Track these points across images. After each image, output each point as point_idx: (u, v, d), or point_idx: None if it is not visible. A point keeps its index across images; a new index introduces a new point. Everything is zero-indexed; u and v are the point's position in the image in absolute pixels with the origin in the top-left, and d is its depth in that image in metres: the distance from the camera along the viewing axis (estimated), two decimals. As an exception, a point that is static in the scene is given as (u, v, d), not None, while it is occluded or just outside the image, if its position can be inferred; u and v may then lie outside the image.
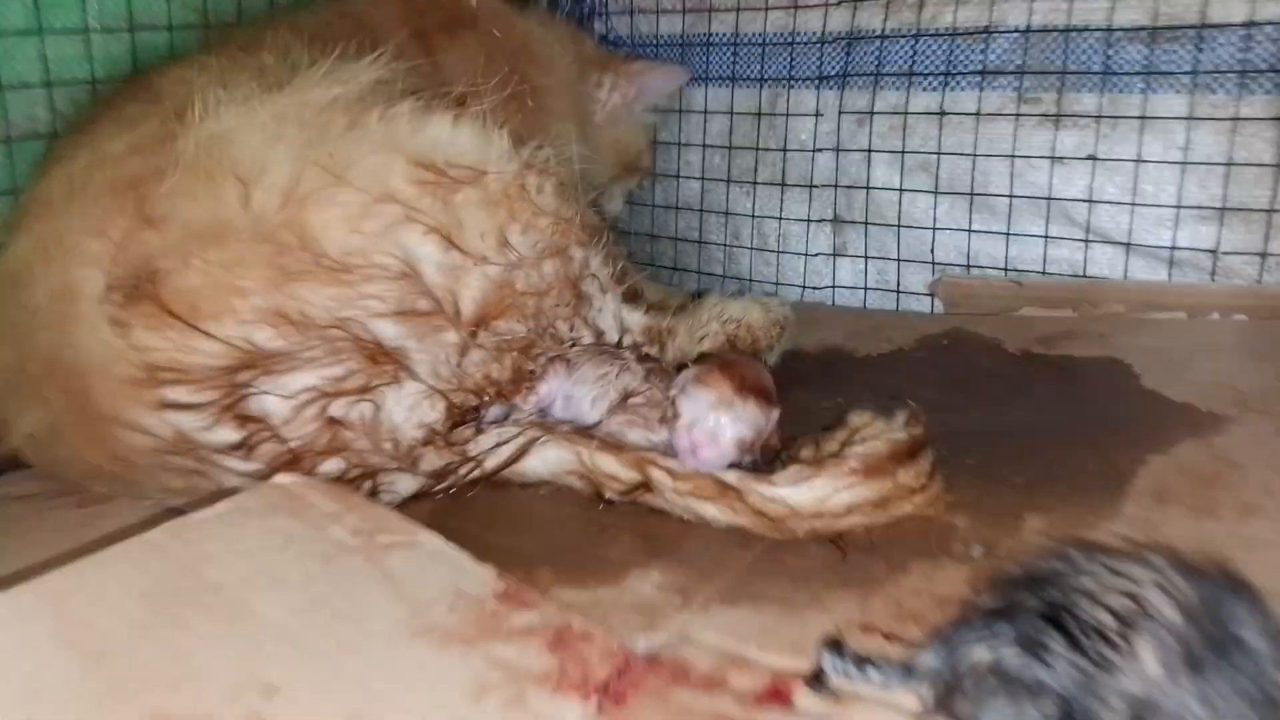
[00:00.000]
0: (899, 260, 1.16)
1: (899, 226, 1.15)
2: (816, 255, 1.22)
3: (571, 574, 0.65)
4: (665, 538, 0.70)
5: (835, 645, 0.53)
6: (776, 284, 1.25)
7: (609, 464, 0.74)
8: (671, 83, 1.28)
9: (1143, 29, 0.97)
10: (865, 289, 1.19)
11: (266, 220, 0.73)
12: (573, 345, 0.83)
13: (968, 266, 1.12)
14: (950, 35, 1.07)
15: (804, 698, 0.51)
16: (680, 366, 0.81)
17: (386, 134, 0.78)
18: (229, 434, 0.74)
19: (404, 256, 0.76)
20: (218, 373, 0.73)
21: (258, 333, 0.73)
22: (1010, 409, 0.85)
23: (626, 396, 0.78)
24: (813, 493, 0.68)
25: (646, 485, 0.73)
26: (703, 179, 1.30)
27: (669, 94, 1.29)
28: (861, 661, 0.52)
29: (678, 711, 0.50)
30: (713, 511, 0.71)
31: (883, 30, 1.11)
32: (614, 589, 0.63)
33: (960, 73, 1.07)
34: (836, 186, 1.19)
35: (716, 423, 0.71)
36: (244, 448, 0.75)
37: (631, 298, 0.89)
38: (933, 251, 1.13)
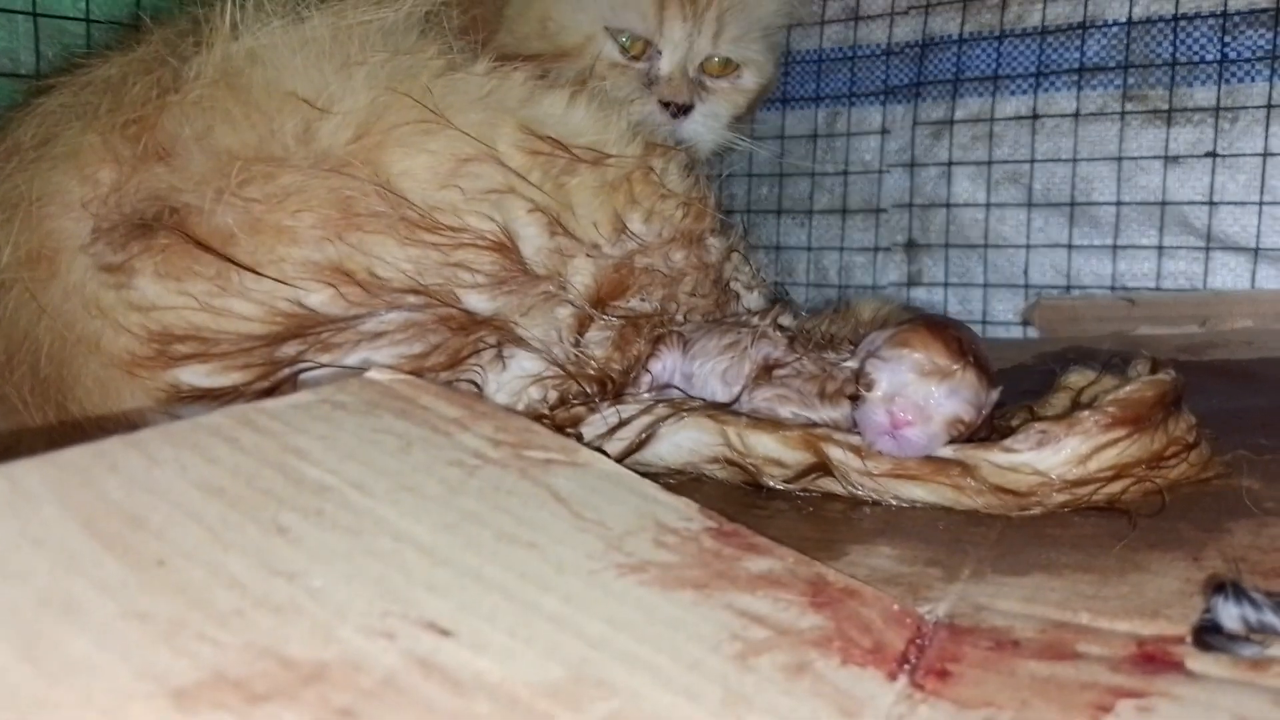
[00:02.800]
0: (985, 285, 1.04)
1: (985, 247, 1.03)
2: (886, 286, 1.10)
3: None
4: (869, 518, 0.55)
5: (1234, 588, 0.39)
6: (838, 323, 1.11)
7: (768, 445, 0.58)
8: None
9: (1264, 11, 0.90)
10: (945, 321, 1.06)
11: (332, 156, 0.57)
12: (685, 321, 0.68)
13: (1068, 287, 1.00)
14: (1040, 34, 0.98)
15: (1198, 660, 0.37)
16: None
17: (495, 90, 0.63)
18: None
19: (502, 225, 0.60)
20: (255, 343, 0.55)
21: (312, 294, 0.56)
22: (1200, 398, 0.71)
23: (770, 368, 0.62)
24: (1068, 454, 0.52)
25: (822, 467, 0.57)
26: (749, 212, 1.18)
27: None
28: None
29: (1032, 685, 0.36)
30: (922, 493, 0.55)
31: (960, 34, 1.02)
32: (838, 563, 0.47)
33: (1054, 72, 0.98)
34: (911, 207, 1.07)
35: (927, 394, 0.55)
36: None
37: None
38: (1026, 273, 1.02)
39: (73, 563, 0.29)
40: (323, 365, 0.55)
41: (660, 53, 0.86)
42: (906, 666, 0.37)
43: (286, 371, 0.55)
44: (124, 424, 0.56)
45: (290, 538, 0.33)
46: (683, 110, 0.86)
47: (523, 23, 0.85)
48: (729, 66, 0.90)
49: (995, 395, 0.57)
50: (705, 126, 0.89)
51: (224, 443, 0.36)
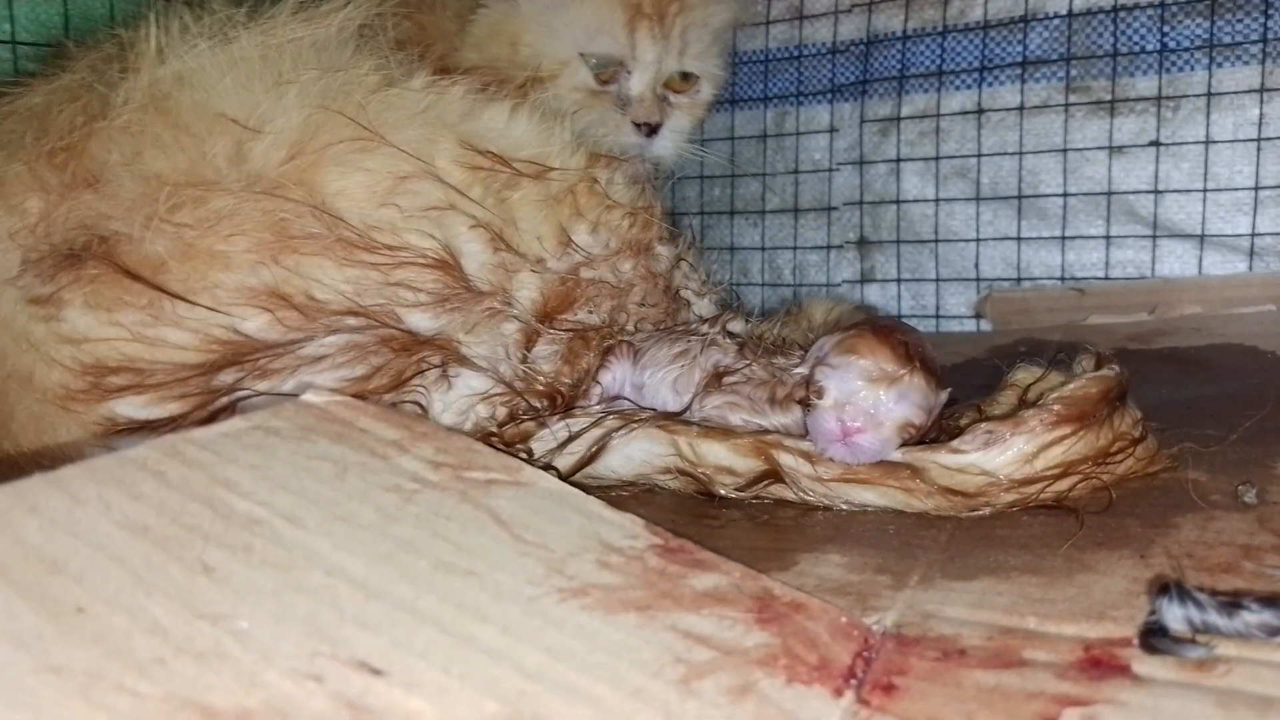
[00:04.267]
0: (937, 280, 1.04)
1: (936, 242, 1.04)
2: (840, 284, 1.10)
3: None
4: (820, 524, 0.55)
5: (1178, 590, 0.39)
6: (794, 321, 1.11)
7: (719, 453, 0.58)
8: None
9: (1201, 0, 0.91)
10: (899, 316, 1.07)
11: (265, 178, 0.56)
12: (635, 331, 0.67)
13: (1018, 279, 1.01)
14: (982, 29, 0.99)
15: (1144, 663, 0.37)
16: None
17: (433, 105, 0.62)
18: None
19: (443, 242, 0.59)
20: (191, 372, 0.54)
21: (248, 320, 0.54)
22: (1149, 387, 0.71)
23: (720, 375, 0.62)
24: (1015, 453, 0.53)
25: (774, 474, 0.56)
26: (702, 214, 1.17)
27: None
28: (1230, 605, 0.38)
29: (978, 697, 0.35)
30: (872, 498, 0.55)
31: (904, 31, 1.02)
32: (787, 574, 0.47)
33: (998, 66, 0.98)
34: (861, 204, 1.07)
35: (876, 401, 0.54)
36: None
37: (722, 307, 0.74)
38: (977, 266, 1.02)
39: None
40: (261, 393, 0.54)
41: (630, 74, 0.86)
42: (853, 682, 0.37)
43: (224, 400, 0.54)
44: (60, 460, 0.55)
45: (216, 577, 0.32)
46: (654, 130, 0.88)
47: (492, 44, 0.84)
48: (689, 81, 0.91)
49: (944, 396, 0.57)
50: (672, 142, 0.90)
51: (150, 477, 0.36)
